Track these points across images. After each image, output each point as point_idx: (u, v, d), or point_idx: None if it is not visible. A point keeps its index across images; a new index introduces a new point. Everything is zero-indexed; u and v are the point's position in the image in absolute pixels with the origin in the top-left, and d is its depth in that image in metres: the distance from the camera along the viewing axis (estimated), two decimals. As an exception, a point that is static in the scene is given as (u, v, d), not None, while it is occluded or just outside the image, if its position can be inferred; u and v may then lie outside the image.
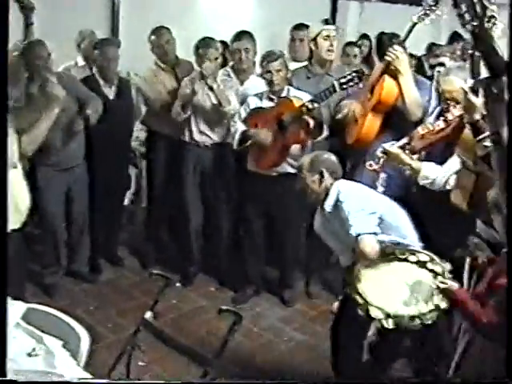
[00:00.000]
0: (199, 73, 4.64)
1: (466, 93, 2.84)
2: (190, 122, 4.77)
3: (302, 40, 5.33)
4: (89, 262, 4.98)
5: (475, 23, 1.69)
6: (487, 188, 1.96)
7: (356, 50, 5.72)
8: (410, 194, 3.85)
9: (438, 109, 3.83)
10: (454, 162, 3.48)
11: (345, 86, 4.12)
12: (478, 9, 1.67)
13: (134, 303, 4.48)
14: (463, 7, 1.67)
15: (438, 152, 3.66)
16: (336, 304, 4.45)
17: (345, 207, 3.36)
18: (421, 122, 3.93)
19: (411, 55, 4.97)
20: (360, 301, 3.01)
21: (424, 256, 3.12)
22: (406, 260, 3.15)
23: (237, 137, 4.54)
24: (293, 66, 4.87)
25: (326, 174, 3.50)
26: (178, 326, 4.17)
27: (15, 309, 2.50)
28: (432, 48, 6.28)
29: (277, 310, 4.71)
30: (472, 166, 3.20)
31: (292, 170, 4.49)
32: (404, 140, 3.66)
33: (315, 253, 4.81)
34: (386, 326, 2.92)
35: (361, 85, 4.21)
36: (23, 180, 3.68)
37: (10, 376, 1.99)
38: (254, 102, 4.57)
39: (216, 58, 4.69)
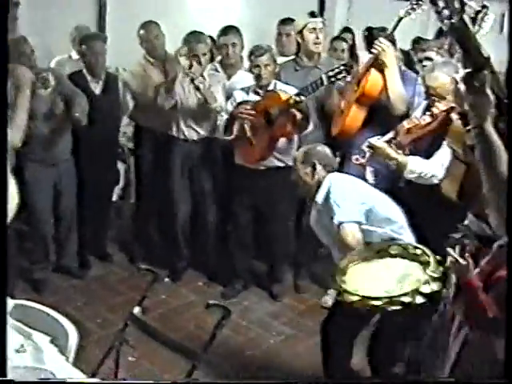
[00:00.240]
0: (187, 68, 4.61)
1: (456, 82, 2.85)
2: (177, 117, 4.76)
3: (288, 35, 5.33)
4: (78, 257, 4.98)
5: (454, 19, 1.70)
6: (477, 178, 1.95)
7: (344, 45, 5.71)
8: (397, 188, 3.86)
9: (425, 103, 3.85)
10: (440, 156, 3.50)
11: (333, 79, 4.13)
12: (457, 5, 1.68)
13: (123, 298, 4.48)
14: (440, 4, 1.68)
15: (424, 146, 3.66)
16: (327, 298, 4.50)
17: (332, 197, 3.36)
18: (406, 116, 3.95)
19: (401, 50, 4.99)
20: (341, 289, 2.94)
21: (417, 250, 3.06)
22: (397, 256, 3.10)
23: (223, 124, 4.55)
24: (280, 60, 4.86)
25: (319, 167, 3.50)
26: (167, 321, 4.18)
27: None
28: (419, 42, 6.29)
29: (265, 305, 4.72)
30: (462, 155, 3.21)
31: (280, 164, 4.51)
32: (390, 134, 3.66)
33: (303, 246, 4.84)
34: (357, 306, 2.84)
35: (349, 78, 4.22)
36: (11, 176, 3.67)
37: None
38: (240, 96, 4.58)
39: (204, 54, 4.68)
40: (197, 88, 4.57)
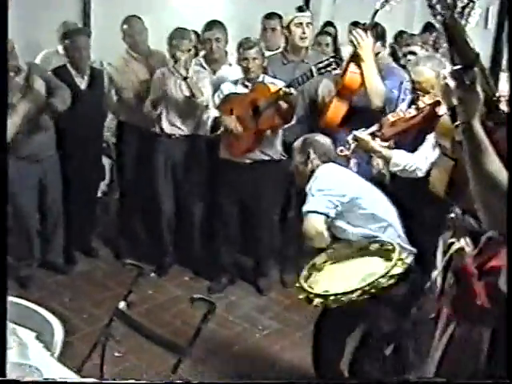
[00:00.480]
0: (172, 65, 4.62)
1: (444, 77, 2.85)
2: (161, 114, 4.74)
3: (273, 29, 5.33)
4: (63, 253, 4.96)
5: (446, 14, 1.70)
6: (465, 174, 1.95)
7: (328, 39, 5.71)
8: (382, 181, 3.87)
9: (410, 97, 3.86)
10: (424, 150, 3.51)
11: (322, 71, 4.14)
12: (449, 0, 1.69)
13: (109, 294, 4.46)
14: None
15: (408, 139, 3.68)
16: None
17: (311, 186, 3.32)
18: (383, 111, 3.95)
19: (391, 46, 5.00)
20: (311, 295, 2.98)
21: (390, 246, 3.09)
22: (375, 254, 3.11)
23: (209, 123, 4.55)
24: (266, 54, 4.87)
25: (313, 155, 3.44)
26: (152, 316, 4.16)
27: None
28: (403, 36, 6.32)
29: (252, 299, 4.72)
30: (450, 151, 3.21)
31: (265, 158, 4.51)
32: (374, 127, 3.67)
33: (290, 241, 4.84)
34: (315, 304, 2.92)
35: (338, 70, 4.23)
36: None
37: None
38: (227, 88, 4.57)
39: (189, 50, 4.66)
40: (184, 78, 4.52)
